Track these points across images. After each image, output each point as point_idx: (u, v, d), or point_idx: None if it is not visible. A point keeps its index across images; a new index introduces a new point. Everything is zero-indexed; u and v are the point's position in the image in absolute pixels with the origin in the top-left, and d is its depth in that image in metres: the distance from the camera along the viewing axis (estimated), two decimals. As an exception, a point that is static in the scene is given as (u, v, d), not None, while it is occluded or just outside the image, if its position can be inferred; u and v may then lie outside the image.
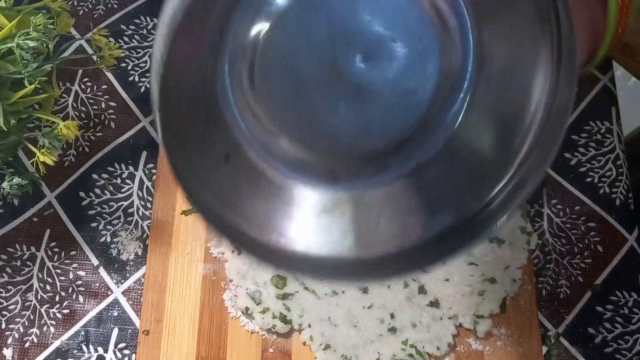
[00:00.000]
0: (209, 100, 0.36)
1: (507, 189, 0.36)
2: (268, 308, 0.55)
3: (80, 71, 0.65)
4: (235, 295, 0.56)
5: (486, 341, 0.56)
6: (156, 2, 0.69)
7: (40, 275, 0.58)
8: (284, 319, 0.55)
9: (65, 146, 0.62)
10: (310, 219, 0.38)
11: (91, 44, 0.57)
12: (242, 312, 0.56)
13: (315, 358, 0.54)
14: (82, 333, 0.56)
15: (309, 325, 0.55)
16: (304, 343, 0.55)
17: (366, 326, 0.55)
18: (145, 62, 0.67)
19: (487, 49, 0.36)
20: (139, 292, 0.57)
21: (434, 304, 0.56)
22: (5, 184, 0.53)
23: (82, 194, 0.61)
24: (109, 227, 0.60)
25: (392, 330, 0.55)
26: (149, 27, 0.68)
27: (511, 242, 0.58)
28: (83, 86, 0.65)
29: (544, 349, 0.56)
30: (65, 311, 0.57)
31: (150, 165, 0.62)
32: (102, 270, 0.58)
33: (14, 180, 0.53)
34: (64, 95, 0.64)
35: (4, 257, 0.58)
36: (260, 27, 0.35)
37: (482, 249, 0.58)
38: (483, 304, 0.56)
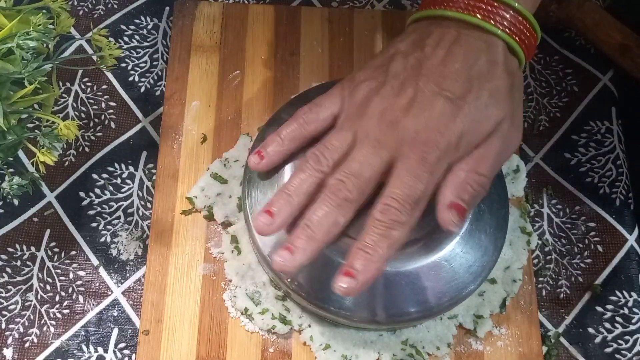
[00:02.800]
0: None
1: None
2: (267, 309, 0.55)
3: (80, 71, 0.65)
4: (234, 296, 0.56)
5: (486, 341, 0.56)
6: (156, 2, 0.69)
7: (40, 275, 0.58)
8: (283, 320, 0.55)
9: (65, 146, 0.62)
10: None
11: (91, 44, 0.57)
12: (242, 313, 0.56)
13: (316, 358, 0.54)
14: (82, 333, 0.56)
15: (309, 326, 0.55)
16: (304, 343, 0.55)
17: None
18: (145, 62, 0.67)
19: None
20: (139, 292, 0.57)
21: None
22: (5, 184, 0.53)
23: (82, 194, 0.61)
24: (109, 227, 0.60)
25: (392, 329, 0.55)
26: (149, 27, 0.68)
27: (511, 242, 0.58)
28: (83, 86, 0.65)
29: (544, 349, 0.56)
30: (65, 311, 0.57)
31: (150, 165, 0.62)
32: (102, 270, 0.58)
33: (14, 180, 0.53)
34: (64, 95, 0.64)
35: (4, 257, 0.58)
36: None
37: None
38: (483, 305, 0.56)
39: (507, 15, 0.46)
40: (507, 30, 0.47)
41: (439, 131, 0.45)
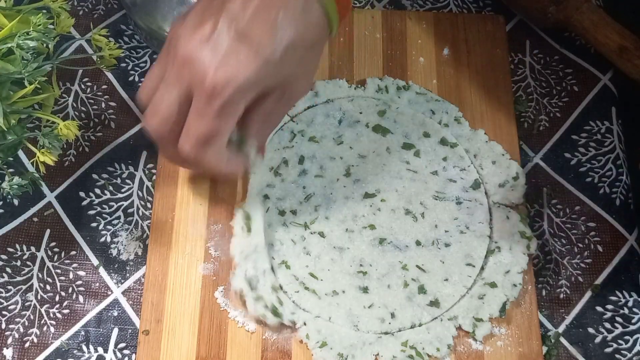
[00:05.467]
0: None
1: None
2: (262, 297, 0.55)
3: (80, 71, 0.65)
4: (233, 274, 0.56)
5: (486, 341, 0.56)
6: (156, 2, 0.69)
7: (40, 275, 0.58)
8: (274, 312, 0.55)
9: (65, 146, 0.62)
10: None
11: (91, 44, 0.57)
12: (235, 293, 0.55)
13: (312, 356, 0.54)
14: (82, 333, 0.56)
15: (305, 323, 0.55)
16: (301, 341, 0.55)
17: (367, 326, 0.55)
18: (145, 62, 0.67)
19: None
20: (139, 292, 0.57)
21: (434, 303, 0.56)
22: (5, 184, 0.53)
23: (82, 194, 0.61)
24: (109, 227, 0.60)
25: (392, 331, 0.55)
26: (149, 27, 0.68)
27: (511, 247, 0.58)
28: (83, 86, 0.65)
29: (544, 349, 0.56)
30: (65, 311, 0.57)
31: (150, 165, 0.62)
32: (102, 270, 0.58)
33: (14, 180, 0.53)
34: (64, 95, 0.64)
35: (4, 257, 0.58)
36: None
37: (481, 253, 0.58)
38: (483, 308, 0.56)
39: None
40: None
41: (217, 73, 0.45)
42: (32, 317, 0.56)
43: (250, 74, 0.45)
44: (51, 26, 0.53)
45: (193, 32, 0.46)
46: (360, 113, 0.63)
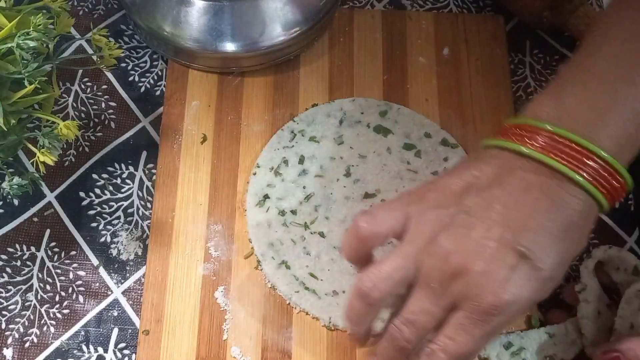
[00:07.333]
0: None
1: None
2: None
3: (80, 71, 0.65)
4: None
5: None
6: (156, 2, 0.69)
7: (40, 275, 0.58)
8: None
9: (65, 146, 0.62)
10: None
11: (91, 44, 0.57)
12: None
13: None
14: (82, 333, 0.56)
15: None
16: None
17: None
18: (145, 62, 0.67)
19: None
20: (139, 292, 0.57)
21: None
22: (5, 184, 0.53)
23: (82, 194, 0.61)
24: (109, 227, 0.60)
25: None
26: (149, 27, 0.68)
27: None
28: (83, 86, 0.65)
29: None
30: (65, 311, 0.57)
31: (150, 165, 0.62)
32: (102, 270, 0.58)
33: (14, 180, 0.53)
34: (64, 95, 0.64)
35: (4, 257, 0.58)
36: None
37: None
38: None
39: (591, 162, 0.40)
40: (591, 179, 0.40)
41: (500, 294, 0.40)
42: (32, 317, 0.56)
43: (531, 293, 0.40)
44: (51, 26, 0.53)
45: (461, 236, 0.41)
46: (362, 113, 0.63)
